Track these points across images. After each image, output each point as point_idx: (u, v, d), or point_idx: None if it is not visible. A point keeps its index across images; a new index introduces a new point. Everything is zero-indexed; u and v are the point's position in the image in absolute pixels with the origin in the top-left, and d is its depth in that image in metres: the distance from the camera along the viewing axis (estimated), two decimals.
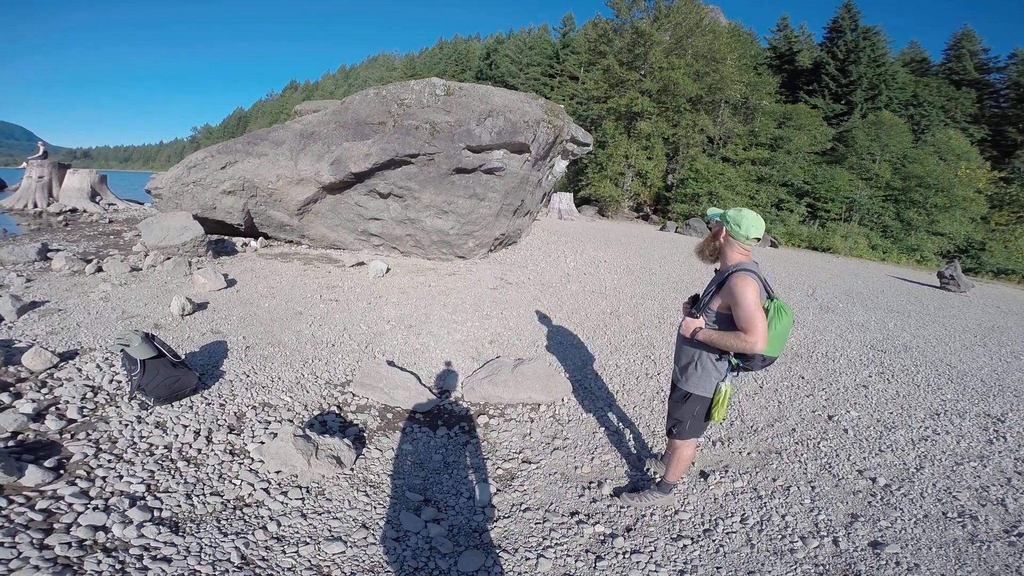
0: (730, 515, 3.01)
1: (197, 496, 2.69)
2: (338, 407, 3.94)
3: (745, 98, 31.29)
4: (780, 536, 2.83)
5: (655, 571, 2.54)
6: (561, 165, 10.91)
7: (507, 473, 3.39)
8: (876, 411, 4.62)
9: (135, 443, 3.02)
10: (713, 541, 2.78)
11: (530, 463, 3.52)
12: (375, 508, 2.84)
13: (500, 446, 3.74)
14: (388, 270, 7.73)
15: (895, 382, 5.44)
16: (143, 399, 3.39)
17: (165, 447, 3.04)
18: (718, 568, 2.58)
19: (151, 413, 3.33)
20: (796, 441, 3.95)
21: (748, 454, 3.74)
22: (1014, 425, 4.48)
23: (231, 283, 6.32)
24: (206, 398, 3.65)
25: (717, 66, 29.05)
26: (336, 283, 6.95)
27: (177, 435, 3.16)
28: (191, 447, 3.08)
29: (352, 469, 3.16)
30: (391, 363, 4.66)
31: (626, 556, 2.63)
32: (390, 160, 7.73)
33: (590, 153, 21.41)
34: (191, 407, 3.50)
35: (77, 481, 2.62)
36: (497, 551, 2.62)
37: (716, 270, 2.72)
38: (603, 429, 4.02)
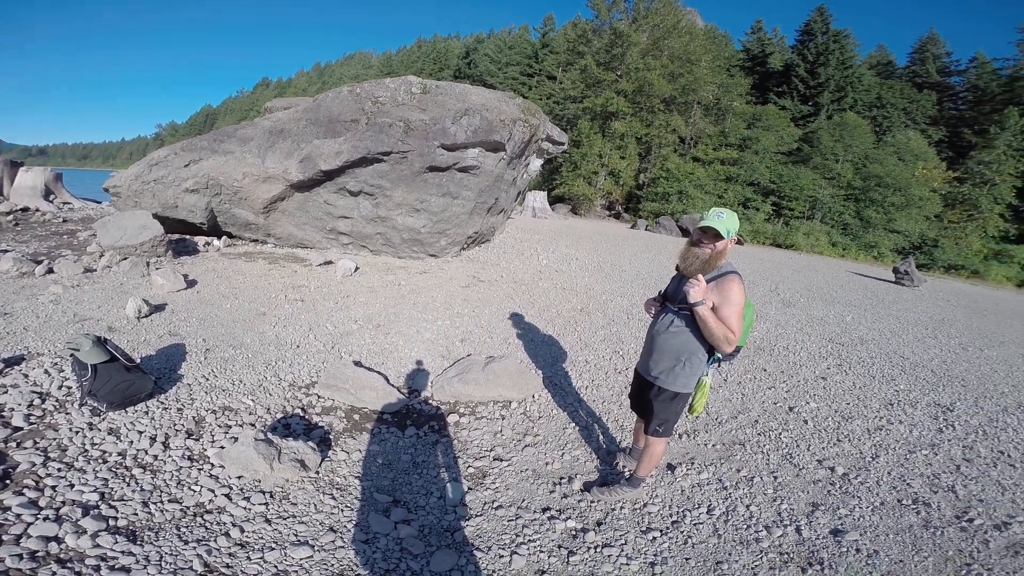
0: (697, 506, 3.06)
1: (155, 504, 2.59)
2: (302, 409, 3.86)
3: (717, 99, 31.96)
4: (745, 526, 2.89)
5: (626, 564, 2.56)
6: (536, 164, 10.95)
7: (478, 471, 3.38)
8: (834, 402, 4.79)
9: (87, 451, 2.90)
10: (681, 532, 2.82)
11: (501, 460, 3.51)
12: (342, 511, 2.79)
13: (471, 444, 3.72)
14: (357, 269, 7.62)
15: (852, 373, 5.64)
16: (95, 405, 3.26)
17: (119, 454, 2.92)
18: (687, 559, 2.62)
19: (104, 419, 3.20)
20: (759, 432, 4.05)
21: (713, 446, 3.82)
22: (962, 414, 4.71)
23: (191, 284, 6.12)
24: (163, 403, 3.52)
25: (691, 67, 29.65)
26: (302, 283, 6.80)
27: (132, 441, 3.04)
28: (147, 454, 2.97)
29: (317, 472, 3.09)
30: (358, 363, 4.59)
31: (598, 550, 2.65)
32: (362, 158, 7.62)
33: (565, 152, 21.60)
34: (147, 412, 3.37)
35: (25, 491, 2.49)
36: (470, 550, 2.60)
37: (679, 268, 2.74)
38: (573, 425, 4.04)
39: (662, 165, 30.34)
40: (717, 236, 2.51)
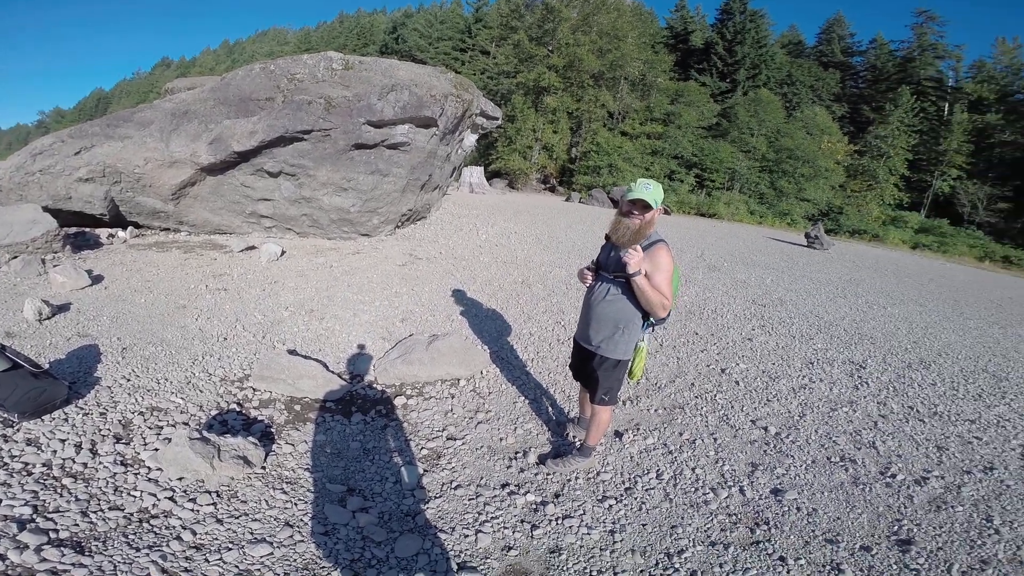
0: (646, 472, 3.19)
1: (94, 512, 2.40)
2: (238, 404, 3.64)
3: (643, 75, 32.87)
4: (693, 489, 3.03)
5: (588, 533, 2.62)
6: (471, 139, 10.80)
7: (432, 452, 3.35)
8: (761, 362, 5.11)
9: (7, 463, 2.61)
10: (635, 499, 2.92)
11: (455, 440, 3.49)
12: (296, 504, 2.69)
13: (422, 426, 3.67)
14: (283, 253, 7.21)
15: (774, 334, 6.06)
16: (5, 416, 2.92)
17: (44, 465, 2.66)
18: (644, 525, 2.71)
19: (18, 430, 2.88)
20: (696, 395, 4.27)
21: (655, 411, 3.99)
22: (873, 371, 5.14)
23: (97, 279, 5.54)
24: (82, 408, 3.21)
25: (619, 43, 30.35)
26: (224, 271, 6.34)
27: (56, 451, 2.77)
28: (75, 462, 2.72)
29: (264, 467, 2.96)
30: (293, 352, 4.37)
31: (559, 522, 2.70)
32: (279, 137, 7.18)
33: (500, 127, 21.52)
34: (66, 419, 3.06)
35: None
36: (434, 532, 2.58)
37: (608, 237, 2.81)
38: (523, 398, 4.08)
39: (592, 139, 30.98)
40: (646, 207, 2.59)
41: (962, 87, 37.12)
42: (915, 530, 2.73)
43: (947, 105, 36.21)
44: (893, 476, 3.25)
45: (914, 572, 2.42)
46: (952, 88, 37.64)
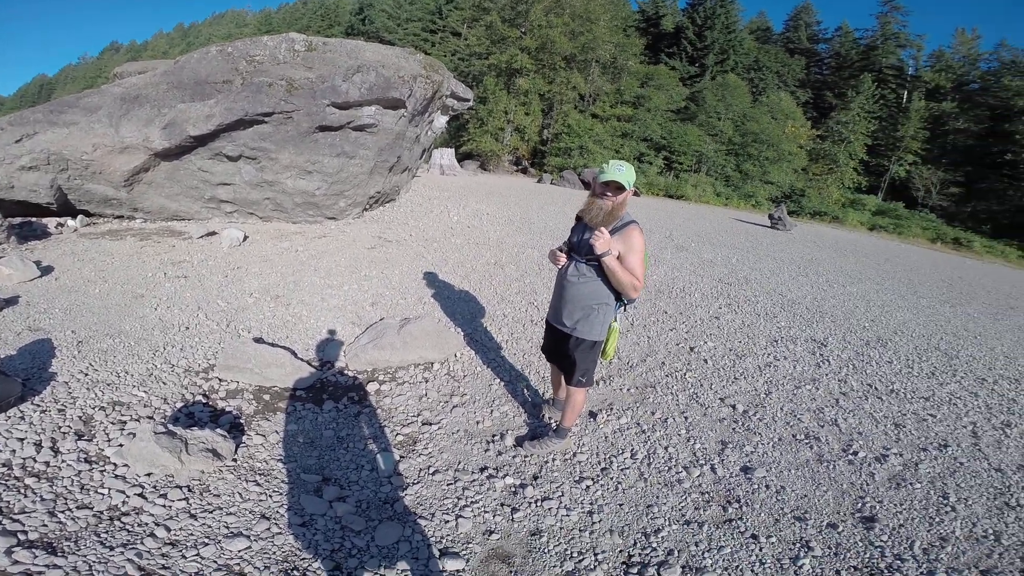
0: (621, 452, 3.23)
1: (62, 512, 2.31)
2: (204, 395, 3.52)
3: (614, 58, 32.90)
4: (667, 468, 3.09)
5: (567, 515, 2.64)
6: (441, 121, 10.63)
7: (408, 438, 3.32)
8: (728, 340, 5.24)
9: None
10: (611, 479, 2.96)
11: (431, 424, 3.47)
12: (271, 496, 2.64)
13: (396, 411, 3.63)
14: (246, 238, 6.98)
15: (740, 312, 6.22)
16: None
17: (3, 465, 2.54)
18: (620, 505, 2.75)
19: None
20: (666, 374, 4.35)
21: (628, 390, 4.04)
22: (834, 349, 5.33)
23: (47, 271, 5.25)
24: (39, 405, 3.06)
25: (591, 26, 30.27)
26: (183, 258, 6.09)
27: (14, 450, 2.65)
28: (36, 461, 2.61)
29: (235, 460, 2.88)
30: (259, 340, 4.25)
31: (538, 504, 2.72)
32: (238, 120, 6.91)
33: (471, 109, 21.28)
34: (23, 417, 2.92)
35: None
36: (413, 519, 2.57)
37: (579, 217, 2.82)
38: (498, 380, 4.07)
39: (564, 121, 30.98)
40: (619, 188, 2.61)
41: (921, 76, 38.57)
42: (878, 507, 2.82)
43: (906, 93, 37.58)
44: (855, 453, 3.35)
45: (879, 549, 2.50)
46: (911, 76, 39.06)
